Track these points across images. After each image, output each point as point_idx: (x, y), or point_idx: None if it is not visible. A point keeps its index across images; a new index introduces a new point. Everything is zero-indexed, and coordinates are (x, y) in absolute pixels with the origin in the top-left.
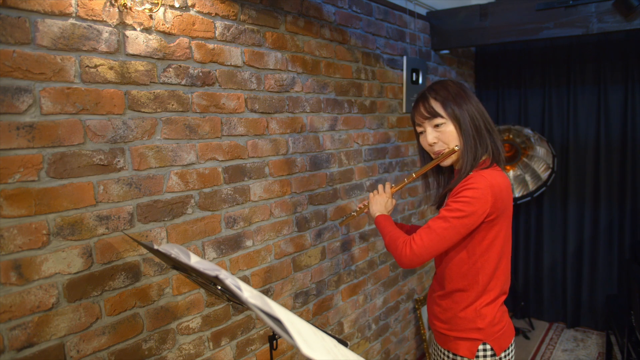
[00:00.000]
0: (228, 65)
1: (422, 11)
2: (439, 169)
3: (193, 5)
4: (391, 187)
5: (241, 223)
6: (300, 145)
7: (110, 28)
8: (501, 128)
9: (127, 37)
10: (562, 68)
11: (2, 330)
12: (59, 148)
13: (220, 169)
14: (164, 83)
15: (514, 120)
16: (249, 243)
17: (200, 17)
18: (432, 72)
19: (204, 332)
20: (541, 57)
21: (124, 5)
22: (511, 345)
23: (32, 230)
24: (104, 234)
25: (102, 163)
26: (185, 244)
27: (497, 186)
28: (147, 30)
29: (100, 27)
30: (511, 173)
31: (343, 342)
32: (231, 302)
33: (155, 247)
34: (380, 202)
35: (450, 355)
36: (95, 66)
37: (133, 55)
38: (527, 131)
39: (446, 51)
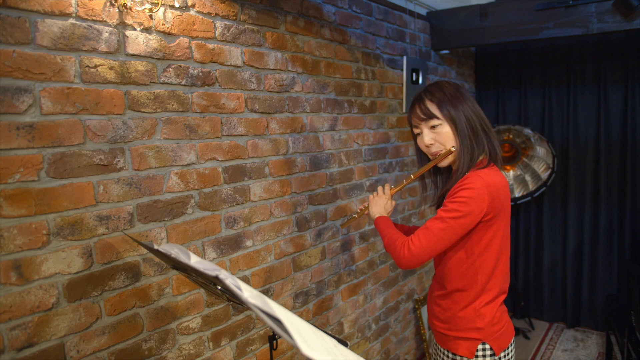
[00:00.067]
0: (228, 65)
1: (422, 11)
2: (437, 170)
3: (193, 5)
4: (390, 189)
5: (241, 223)
6: (300, 145)
7: (110, 28)
8: (501, 128)
9: (127, 37)
10: (562, 68)
11: (2, 330)
12: (59, 148)
13: (220, 169)
14: (164, 83)
15: (514, 120)
16: (249, 243)
17: (200, 17)
18: (432, 72)
19: (204, 332)
20: (541, 57)
21: (124, 5)
22: (511, 345)
23: (32, 230)
24: (104, 234)
25: (102, 163)
26: (185, 244)
27: (493, 185)
28: (147, 30)
29: (100, 27)
30: (511, 173)
31: (343, 342)
32: (231, 302)
33: (155, 247)
34: (380, 204)
35: (450, 355)
36: (95, 66)
37: (133, 55)
38: (527, 131)
39: (446, 51)
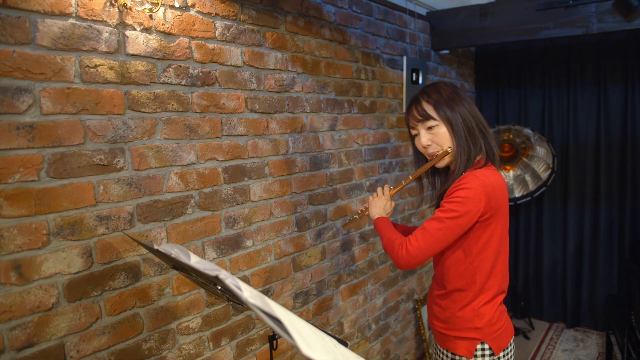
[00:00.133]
0: (228, 65)
1: (422, 11)
2: (434, 170)
3: (193, 5)
4: (390, 190)
5: (241, 223)
6: (300, 145)
7: (110, 28)
8: (501, 128)
9: (127, 37)
10: (562, 68)
11: (2, 330)
12: (59, 148)
13: (220, 169)
14: (164, 83)
15: (514, 120)
16: (249, 243)
17: (200, 17)
18: (432, 72)
19: (204, 332)
20: (541, 57)
21: (124, 5)
22: (510, 344)
23: (32, 230)
24: (104, 234)
25: (102, 163)
26: (185, 244)
27: (490, 185)
28: (147, 30)
29: (100, 27)
30: (511, 173)
31: (343, 342)
32: (231, 302)
33: (155, 247)
34: (380, 205)
35: (449, 355)
36: (95, 66)
37: (133, 55)
38: (527, 131)
39: (446, 51)
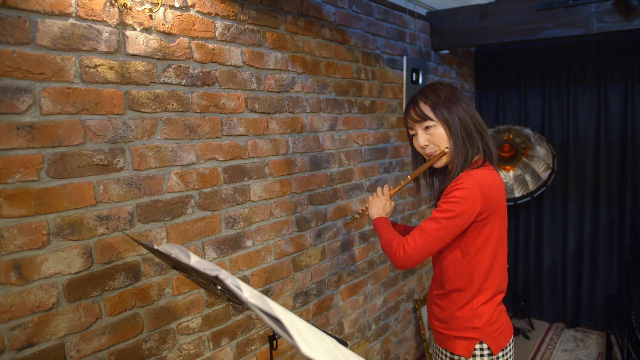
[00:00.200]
0: (228, 65)
1: (422, 11)
2: (433, 171)
3: (193, 5)
4: (389, 190)
5: (241, 223)
6: (300, 145)
7: (110, 28)
8: (501, 128)
9: (127, 37)
10: (562, 68)
11: (2, 330)
12: (59, 148)
13: (220, 169)
14: (164, 83)
15: (514, 120)
16: (249, 243)
17: (200, 17)
18: (432, 72)
19: (204, 332)
20: (541, 57)
21: (124, 5)
22: (509, 344)
23: (32, 230)
24: (104, 234)
25: (102, 163)
26: (185, 244)
27: (486, 185)
28: (147, 30)
29: (100, 27)
30: (511, 173)
31: (343, 342)
32: (231, 302)
33: (155, 247)
34: (379, 205)
35: (448, 355)
36: (95, 66)
37: (133, 55)
38: (527, 131)
39: (446, 51)
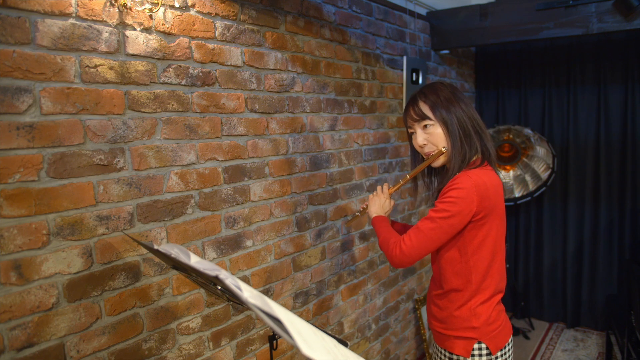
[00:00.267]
0: (228, 65)
1: (422, 11)
2: (432, 170)
3: (193, 5)
4: (389, 188)
5: (241, 223)
6: (300, 145)
7: (110, 28)
8: (501, 128)
9: (127, 37)
10: (562, 68)
11: (2, 330)
12: (59, 148)
13: (220, 169)
14: (164, 83)
15: (514, 120)
16: (249, 243)
17: (200, 17)
18: (432, 72)
19: (204, 332)
20: (541, 57)
21: (124, 5)
22: (508, 344)
23: (32, 230)
24: (104, 234)
25: (102, 163)
26: (185, 244)
27: (482, 185)
28: (147, 30)
29: (100, 27)
30: (511, 173)
31: (343, 342)
32: (231, 302)
33: (155, 247)
34: (378, 203)
35: (447, 354)
36: (95, 66)
37: (133, 55)
38: (527, 131)
39: (446, 51)
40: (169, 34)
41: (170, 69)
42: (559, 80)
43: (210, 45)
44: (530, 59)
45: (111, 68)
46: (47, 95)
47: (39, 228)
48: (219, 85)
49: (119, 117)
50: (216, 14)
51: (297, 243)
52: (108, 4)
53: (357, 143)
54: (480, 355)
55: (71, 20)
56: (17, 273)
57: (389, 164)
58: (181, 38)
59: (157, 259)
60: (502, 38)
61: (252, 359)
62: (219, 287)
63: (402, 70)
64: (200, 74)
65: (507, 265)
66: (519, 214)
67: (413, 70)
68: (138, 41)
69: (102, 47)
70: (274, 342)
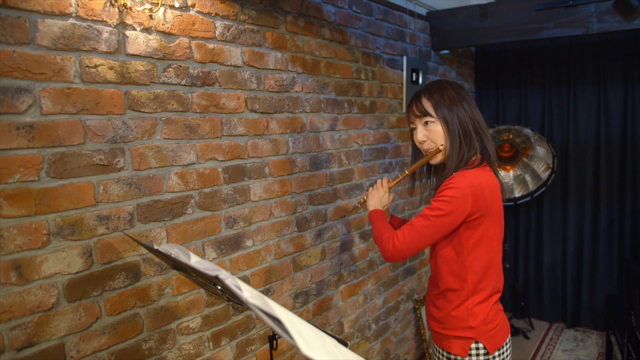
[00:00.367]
0: (228, 65)
1: (422, 11)
2: (432, 168)
3: (193, 5)
4: (389, 182)
5: (241, 223)
6: (300, 145)
7: (110, 28)
8: (501, 128)
9: (127, 37)
10: (562, 68)
11: (2, 330)
12: (59, 148)
13: (220, 169)
14: (164, 83)
15: (514, 120)
16: (249, 243)
17: (200, 17)
18: (432, 72)
19: (204, 332)
20: (541, 57)
21: (124, 5)
22: (505, 344)
23: (32, 230)
24: (104, 234)
25: (102, 163)
26: (185, 244)
27: (478, 185)
28: (147, 30)
29: (100, 27)
30: (511, 173)
31: (343, 342)
32: (231, 302)
33: (155, 247)
34: (377, 197)
35: (445, 354)
36: (95, 66)
37: (133, 55)
38: (527, 131)
39: (446, 51)
40: (169, 34)
41: (170, 69)
42: (559, 80)
43: (210, 45)
44: (530, 59)
45: (111, 68)
46: (47, 95)
47: (39, 228)
48: (219, 85)
49: (119, 117)
50: (216, 14)
51: (297, 243)
52: (108, 4)
53: (357, 143)
54: (477, 355)
55: (71, 20)
56: (17, 273)
57: (389, 164)
58: (181, 38)
59: (157, 259)
60: (502, 38)
61: (252, 359)
62: (219, 287)
63: (402, 70)
64: (200, 74)
65: (507, 265)
66: (519, 214)
67: (413, 70)
68: (138, 41)
69: (102, 47)
70: (274, 342)
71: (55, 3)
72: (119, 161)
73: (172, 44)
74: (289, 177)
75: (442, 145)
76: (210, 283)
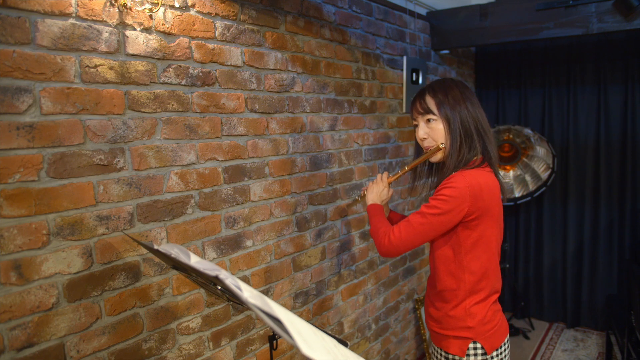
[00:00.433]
0: (228, 65)
1: (422, 11)
2: (432, 165)
3: (193, 5)
4: (388, 177)
5: (241, 223)
6: (300, 145)
7: (110, 28)
8: (501, 128)
9: (127, 37)
10: (562, 68)
11: (2, 330)
12: (59, 148)
13: (220, 169)
14: (164, 83)
15: (514, 120)
16: (249, 243)
17: (200, 17)
18: (432, 72)
19: (204, 332)
20: (541, 57)
21: (124, 5)
22: (504, 344)
23: (32, 230)
24: (104, 234)
25: (102, 163)
26: (185, 244)
27: (476, 186)
28: (147, 30)
29: (100, 27)
30: (511, 173)
31: (343, 342)
32: (231, 302)
33: (155, 247)
34: (376, 191)
35: (443, 354)
36: (95, 66)
37: (133, 55)
38: (527, 131)
39: (446, 51)
40: (169, 34)
41: (170, 69)
42: (559, 80)
43: (210, 45)
44: (530, 59)
45: (111, 68)
46: (47, 95)
47: (39, 228)
48: (219, 85)
49: (119, 117)
50: (216, 14)
51: (297, 243)
52: (108, 4)
53: (357, 143)
54: (475, 355)
55: (71, 20)
56: (17, 273)
57: (389, 164)
58: (181, 38)
59: (157, 259)
60: (502, 38)
61: (252, 359)
62: (219, 287)
63: (402, 70)
64: (200, 74)
65: (507, 265)
66: (519, 214)
67: (413, 70)
68: (138, 41)
69: (102, 47)
70: (274, 342)
71: (55, 3)
72: (119, 161)
73: (172, 44)
74: (289, 177)
75: (442, 143)
76: (210, 283)
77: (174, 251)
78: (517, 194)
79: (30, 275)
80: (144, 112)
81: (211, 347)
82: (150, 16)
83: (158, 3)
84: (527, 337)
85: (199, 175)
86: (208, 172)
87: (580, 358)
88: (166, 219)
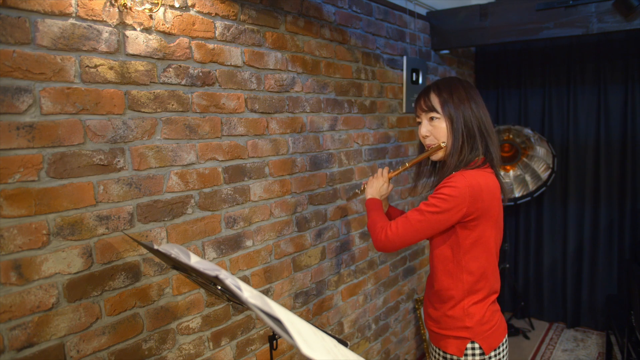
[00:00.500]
0: (228, 65)
1: (422, 11)
2: (434, 167)
3: (193, 5)
4: (389, 172)
5: (241, 223)
6: (300, 145)
7: (110, 28)
8: (501, 128)
9: (127, 37)
10: (562, 68)
11: (2, 330)
12: (59, 148)
13: (220, 169)
14: (164, 83)
15: (514, 120)
16: (249, 243)
17: (200, 17)
18: (432, 72)
19: (204, 332)
20: (541, 57)
21: (124, 5)
22: (502, 344)
23: (32, 230)
24: (104, 234)
25: (102, 163)
26: (185, 244)
27: (476, 186)
28: (147, 30)
29: (100, 27)
30: (511, 173)
31: (343, 342)
32: (231, 302)
33: (155, 247)
34: (376, 186)
35: (441, 353)
36: (95, 66)
37: (133, 55)
38: (527, 131)
39: (446, 51)
40: (169, 34)
41: (170, 69)
42: (559, 80)
43: (210, 45)
44: (530, 59)
45: (111, 68)
46: (47, 95)
47: (39, 228)
48: (219, 85)
49: (119, 117)
50: (216, 14)
51: (297, 243)
52: (108, 4)
53: (357, 143)
54: (473, 355)
55: (71, 20)
56: (17, 273)
57: (389, 164)
58: (181, 38)
59: (157, 259)
60: (502, 38)
61: (252, 359)
62: (219, 287)
63: (402, 70)
64: (200, 74)
65: (507, 265)
66: (519, 214)
67: (413, 70)
68: (138, 41)
69: (102, 47)
70: (274, 342)
71: (55, 3)
72: (119, 161)
73: (172, 44)
74: (289, 177)
75: (443, 142)
76: (210, 283)
77: (174, 251)
78: (517, 194)
79: (30, 275)
80: (144, 112)
81: (211, 347)
82: (150, 16)
83: (158, 3)
84: (527, 337)
85: (199, 175)
86: (208, 172)
87: (580, 358)
88: (166, 219)
